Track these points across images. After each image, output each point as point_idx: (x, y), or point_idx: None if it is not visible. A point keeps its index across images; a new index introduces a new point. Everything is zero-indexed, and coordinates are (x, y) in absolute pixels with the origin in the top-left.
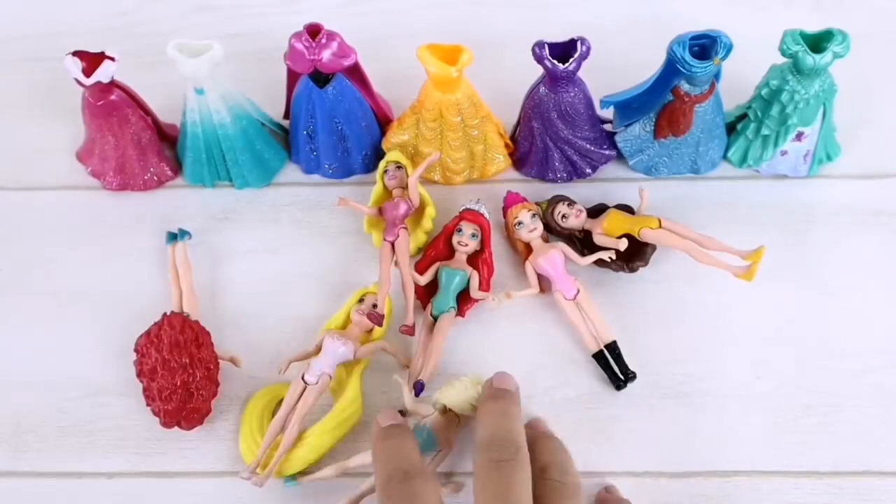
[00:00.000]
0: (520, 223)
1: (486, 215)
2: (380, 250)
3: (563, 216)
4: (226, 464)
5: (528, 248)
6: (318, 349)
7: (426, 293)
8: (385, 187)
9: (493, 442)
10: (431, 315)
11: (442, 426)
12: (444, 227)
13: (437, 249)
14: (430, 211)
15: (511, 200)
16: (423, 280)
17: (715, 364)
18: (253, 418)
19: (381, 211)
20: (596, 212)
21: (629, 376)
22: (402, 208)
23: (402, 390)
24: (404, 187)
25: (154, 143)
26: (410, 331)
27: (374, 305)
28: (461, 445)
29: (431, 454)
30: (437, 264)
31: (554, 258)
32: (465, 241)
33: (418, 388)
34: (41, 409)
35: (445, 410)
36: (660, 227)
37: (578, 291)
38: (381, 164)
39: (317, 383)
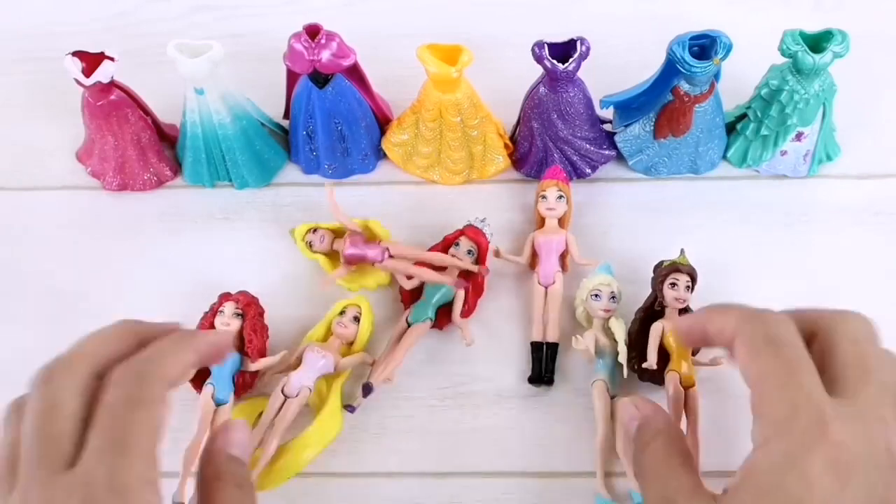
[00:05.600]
0: (543, 197)
1: (488, 236)
2: (391, 268)
3: (673, 284)
4: None
5: (544, 222)
6: (298, 361)
7: (410, 298)
8: (327, 255)
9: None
10: (407, 321)
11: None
12: (444, 237)
13: None
14: (372, 223)
15: (551, 174)
16: (409, 285)
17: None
18: None
19: (350, 263)
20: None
21: (546, 379)
22: (359, 239)
23: None
24: (337, 237)
25: (154, 143)
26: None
27: (356, 318)
28: None
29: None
30: None
31: (552, 243)
32: (460, 257)
33: (366, 390)
34: None
35: None
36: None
37: (554, 282)
38: (300, 246)
39: (297, 396)
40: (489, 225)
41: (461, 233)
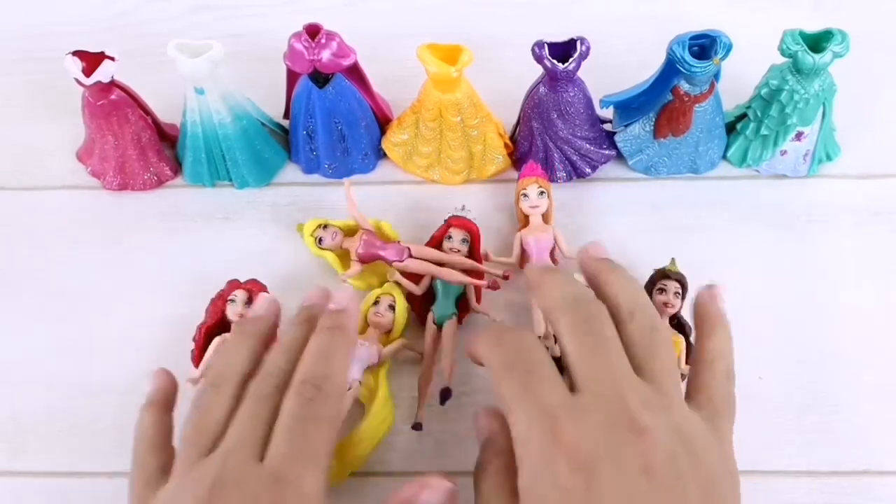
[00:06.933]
0: (525, 195)
1: (474, 220)
2: (412, 268)
3: (662, 290)
4: None
5: (528, 220)
6: None
7: (421, 303)
8: (335, 252)
9: (571, 303)
10: (435, 324)
11: None
12: (431, 237)
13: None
14: (384, 225)
15: (528, 171)
16: (419, 290)
17: None
18: None
19: (363, 261)
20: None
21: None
22: (374, 238)
23: None
24: (347, 235)
25: (154, 143)
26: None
27: (391, 306)
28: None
29: None
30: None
31: (542, 241)
32: (457, 248)
33: (445, 395)
34: (41, 409)
35: None
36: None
37: None
38: (308, 241)
39: (349, 390)
40: (470, 210)
41: (448, 225)
